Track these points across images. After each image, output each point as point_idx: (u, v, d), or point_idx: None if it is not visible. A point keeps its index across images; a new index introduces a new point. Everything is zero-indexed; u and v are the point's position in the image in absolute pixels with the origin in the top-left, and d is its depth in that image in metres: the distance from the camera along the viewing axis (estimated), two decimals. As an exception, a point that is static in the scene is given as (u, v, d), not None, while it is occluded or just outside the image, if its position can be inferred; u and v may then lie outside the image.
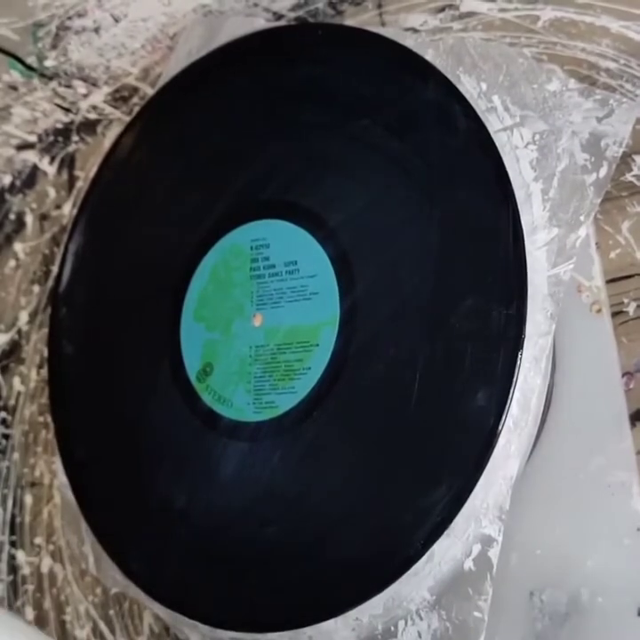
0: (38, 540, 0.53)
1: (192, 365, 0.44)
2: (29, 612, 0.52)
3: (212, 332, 0.43)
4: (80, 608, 0.51)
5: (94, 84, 0.55)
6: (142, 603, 0.46)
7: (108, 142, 0.55)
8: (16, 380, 0.55)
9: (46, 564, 0.52)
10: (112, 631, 0.50)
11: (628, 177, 0.43)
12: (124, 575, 0.44)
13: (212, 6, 0.50)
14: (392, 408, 0.38)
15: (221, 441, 0.42)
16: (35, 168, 0.58)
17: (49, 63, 0.53)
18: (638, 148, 0.43)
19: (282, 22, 0.50)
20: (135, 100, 0.55)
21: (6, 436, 0.54)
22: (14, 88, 0.54)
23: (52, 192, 0.57)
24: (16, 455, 0.54)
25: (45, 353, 0.51)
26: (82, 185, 0.56)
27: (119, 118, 0.55)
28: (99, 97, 0.55)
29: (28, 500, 0.53)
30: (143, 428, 0.45)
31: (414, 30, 0.47)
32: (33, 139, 0.57)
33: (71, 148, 0.57)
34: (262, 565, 0.40)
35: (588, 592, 0.40)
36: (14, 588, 0.52)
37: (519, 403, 0.36)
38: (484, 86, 0.40)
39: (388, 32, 0.43)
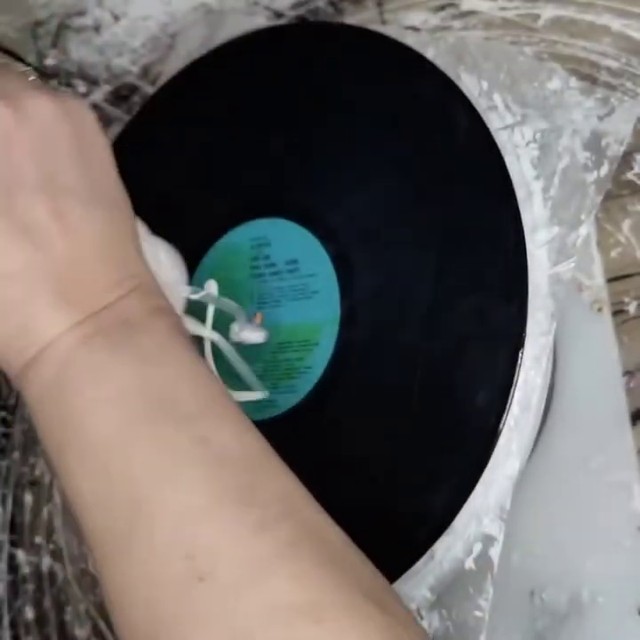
0: (38, 540, 0.53)
1: (192, 364, 0.43)
2: (29, 612, 0.52)
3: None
4: (80, 607, 0.51)
5: (94, 82, 0.54)
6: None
7: (107, 141, 0.55)
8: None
9: (46, 563, 0.52)
10: (112, 630, 0.49)
11: (629, 175, 0.43)
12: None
13: (212, 5, 0.50)
14: (393, 407, 0.38)
15: (222, 440, 0.42)
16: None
17: (49, 62, 0.53)
18: (639, 147, 0.43)
19: (282, 21, 0.50)
20: (135, 98, 0.55)
21: (6, 435, 0.54)
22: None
23: (51, 191, 0.57)
24: (16, 454, 0.54)
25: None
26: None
27: (119, 117, 0.55)
28: (99, 95, 0.55)
29: (28, 499, 0.53)
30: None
31: (415, 29, 0.47)
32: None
33: (71, 146, 0.57)
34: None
35: (588, 592, 0.40)
36: (14, 587, 0.52)
37: (520, 402, 0.36)
38: (484, 85, 0.40)
39: (388, 30, 0.43)
